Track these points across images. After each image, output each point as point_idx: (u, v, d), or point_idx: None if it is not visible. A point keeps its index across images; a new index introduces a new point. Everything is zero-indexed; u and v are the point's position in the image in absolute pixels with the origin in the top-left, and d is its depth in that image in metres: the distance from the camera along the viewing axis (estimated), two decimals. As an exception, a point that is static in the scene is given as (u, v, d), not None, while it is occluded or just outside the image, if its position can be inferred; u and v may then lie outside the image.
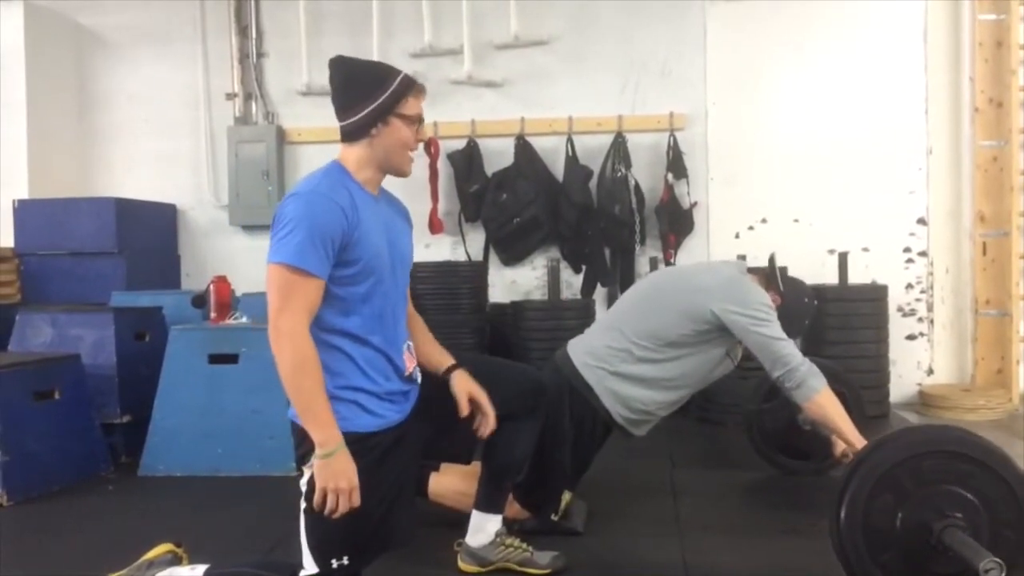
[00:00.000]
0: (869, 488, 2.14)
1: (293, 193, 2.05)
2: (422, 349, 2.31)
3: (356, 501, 1.94)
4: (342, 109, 2.13)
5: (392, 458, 2.08)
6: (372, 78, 2.13)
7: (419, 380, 2.23)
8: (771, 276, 3.09)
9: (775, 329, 2.82)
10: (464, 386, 2.27)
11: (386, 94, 2.09)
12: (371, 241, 2.06)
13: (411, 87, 2.13)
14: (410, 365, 2.19)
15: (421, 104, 2.17)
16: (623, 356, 2.91)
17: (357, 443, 1.99)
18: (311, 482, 1.98)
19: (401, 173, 2.18)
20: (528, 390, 2.47)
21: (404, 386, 2.17)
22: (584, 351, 2.98)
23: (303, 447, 2.04)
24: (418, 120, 2.15)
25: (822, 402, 2.78)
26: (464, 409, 2.24)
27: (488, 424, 2.28)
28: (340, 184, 2.06)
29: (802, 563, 2.64)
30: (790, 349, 2.80)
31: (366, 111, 2.09)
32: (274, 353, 1.95)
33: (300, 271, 1.95)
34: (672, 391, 2.95)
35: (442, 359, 2.33)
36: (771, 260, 3.16)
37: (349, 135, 2.13)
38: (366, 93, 2.10)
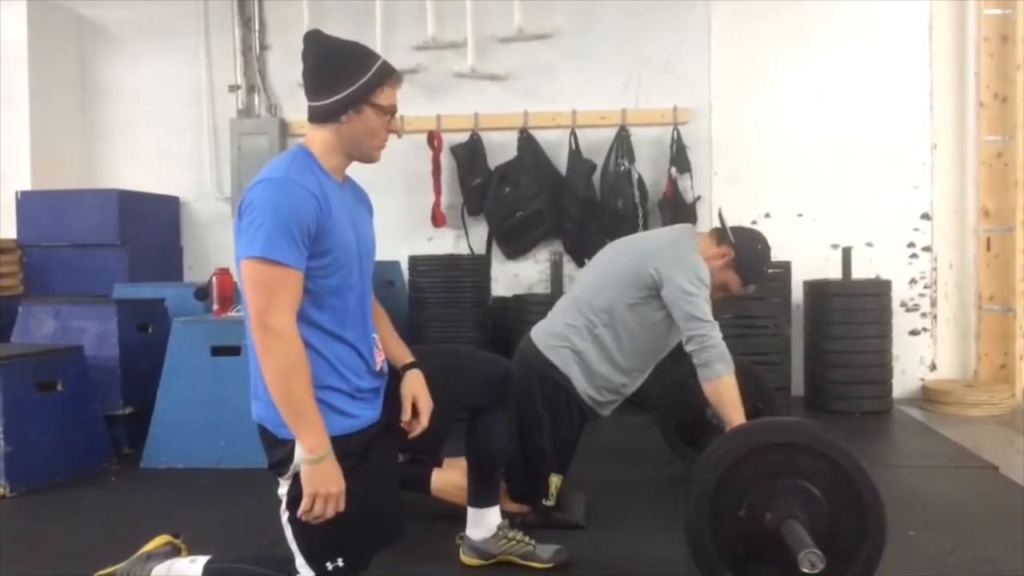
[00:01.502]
0: (716, 480, 2.16)
1: (262, 179, 1.92)
2: (384, 342, 2.19)
3: (342, 505, 1.89)
4: (313, 90, 2.01)
5: (372, 458, 2.02)
6: (348, 62, 2.00)
7: (387, 373, 2.15)
8: (721, 232, 3.09)
9: (702, 307, 2.83)
10: (411, 389, 2.15)
11: (361, 81, 1.97)
12: (341, 231, 1.96)
13: (388, 76, 2.01)
14: (379, 359, 2.10)
15: (397, 94, 2.05)
16: (582, 333, 2.94)
17: (335, 447, 1.91)
18: (292, 492, 1.93)
19: (370, 160, 2.07)
20: (495, 379, 2.43)
21: (375, 382, 2.08)
22: (546, 333, 3.01)
23: (277, 454, 1.96)
24: (392, 110, 2.03)
25: (721, 388, 2.79)
26: (405, 413, 2.12)
27: (415, 428, 2.14)
28: (308, 170, 1.95)
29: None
30: (710, 331, 2.81)
31: (338, 97, 1.97)
32: (261, 355, 1.86)
33: (281, 265, 1.84)
34: (630, 365, 2.98)
35: (401, 355, 2.22)
36: (720, 216, 3.19)
37: (317, 118, 2.01)
38: (340, 78, 1.98)
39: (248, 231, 1.88)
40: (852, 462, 2.13)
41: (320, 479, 1.86)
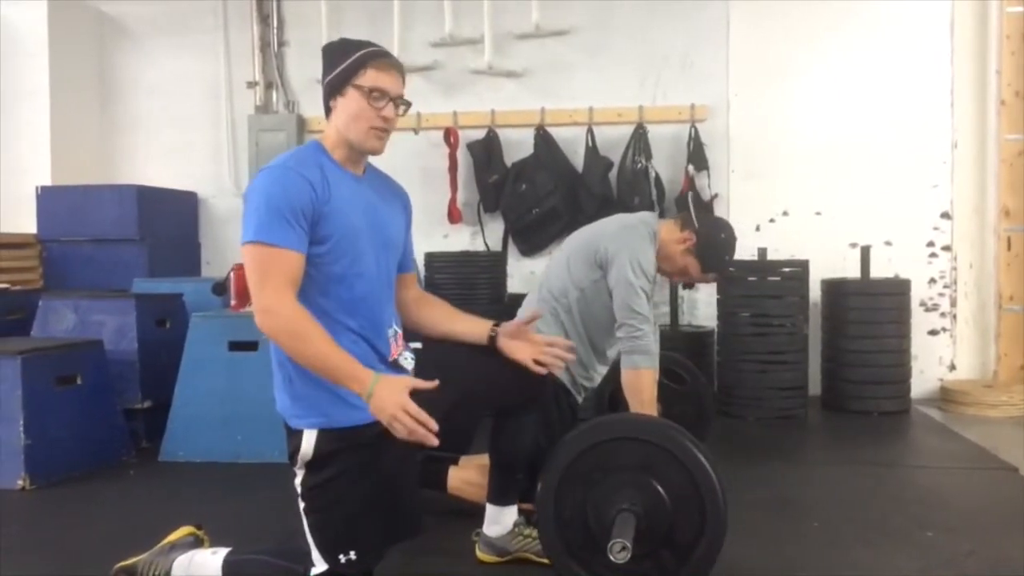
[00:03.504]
0: (559, 475, 2.19)
1: (261, 170, 1.99)
2: (456, 327, 2.29)
3: (420, 414, 1.83)
4: (323, 86, 2.11)
5: (387, 450, 1.98)
6: (340, 51, 2.06)
7: (409, 367, 2.15)
8: (687, 218, 3.13)
9: (640, 301, 2.87)
10: (512, 349, 2.26)
11: (344, 65, 2.02)
12: (344, 218, 1.98)
13: (371, 58, 2.02)
14: (395, 351, 2.11)
15: (389, 79, 2.03)
16: (549, 321, 2.98)
17: (345, 439, 1.92)
18: (304, 483, 1.96)
19: (365, 150, 2.07)
20: (528, 382, 2.40)
21: (389, 374, 2.06)
22: None
23: (291, 444, 1.99)
24: (379, 94, 2.01)
25: (635, 379, 2.84)
26: (537, 368, 2.25)
27: (558, 361, 2.29)
28: (312, 160, 2.01)
29: (815, 558, 2.63)
30: (641, 324, 2.85)
31: (326, 82, 2.06)
32: (268, 335, 1.90)
33: (272, 246, 1.89)
34: (594, 348, 3.02)
35: (480, 328, 2.29)
36: (691, 202, 3.19)
37: (324, 111, 2.10)
38: (330, 66, 2.05)
39: (245, 219, 1.94)
40: (691, 457, 2.14)
41: (381, 409, 1.85)
